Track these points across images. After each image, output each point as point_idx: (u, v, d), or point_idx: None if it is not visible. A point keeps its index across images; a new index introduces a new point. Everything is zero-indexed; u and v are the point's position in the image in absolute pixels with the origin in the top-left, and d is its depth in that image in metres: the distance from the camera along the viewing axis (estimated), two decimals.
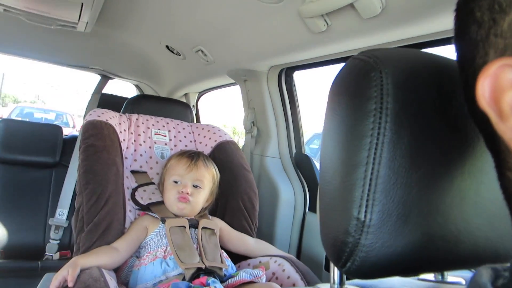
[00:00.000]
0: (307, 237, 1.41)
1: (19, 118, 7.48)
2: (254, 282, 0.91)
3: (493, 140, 0.30)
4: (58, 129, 1.95)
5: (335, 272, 0.50)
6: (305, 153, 1.55)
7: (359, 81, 0.36)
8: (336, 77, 0.41)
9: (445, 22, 0.75)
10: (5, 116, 7.19)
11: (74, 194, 1.66)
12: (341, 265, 0.36)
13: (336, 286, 0.50)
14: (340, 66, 0.41)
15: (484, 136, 0.32)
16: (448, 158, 0.36)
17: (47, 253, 1.56)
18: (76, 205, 0.96)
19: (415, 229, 0.35)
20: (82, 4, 1.23)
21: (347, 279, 0.50)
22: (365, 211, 0.34)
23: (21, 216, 1.69)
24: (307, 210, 1.45)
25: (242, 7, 1.02)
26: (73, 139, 1.91)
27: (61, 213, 1.61)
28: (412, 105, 0.35)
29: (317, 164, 1.49)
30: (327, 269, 1.19)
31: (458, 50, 0.33)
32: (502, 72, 0.26)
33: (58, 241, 1.58)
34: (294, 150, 1.53)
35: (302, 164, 1.51)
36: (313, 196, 1.45)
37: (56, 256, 1.59)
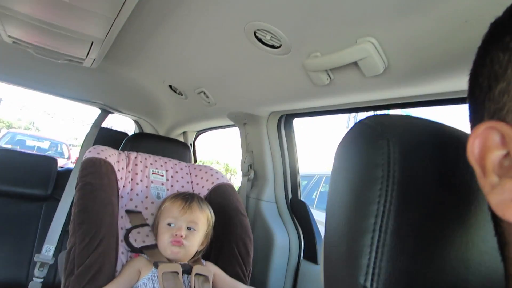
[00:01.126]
0: (301, 286, 1.38)
1: (9, 146, 7.05)
2: None
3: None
4: (53, 161, 1.91)
5: None
6: (301, 199, 1.55)
7: (367, 148, 0.38)
8: (343, 140, 0.42)
9: (444, 84, 0.78)
10: None
11: (63, 230, 1.62)
12: None
13: None
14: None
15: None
16: (453, 227, 0.37)
17: None
18: (68, 245, 0.94)
19: None
20: (92, 42, 1.27)
21: None
22: (372, 279, 0.34)
23: (5, 250, 1.63)
24: (301, 257, 1.42)
25: (248, 55, 1.06)
26: (67, 172, 1.89)
27: (48, 249, 1.56)
28: (418, 174, 0.36)
29: (313, 211, 1.49)
30: None
31: (469, 110, 0.36)
32: (488, 134, 0.29)
33: (42, 279, 1.51)
34: (290, 196, 1.53)
35: (297, 210, 1.51)
36: (308, 244, 1.43)
37: None
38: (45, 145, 8.03)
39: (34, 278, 1.50)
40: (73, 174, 1.81)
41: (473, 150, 0.30)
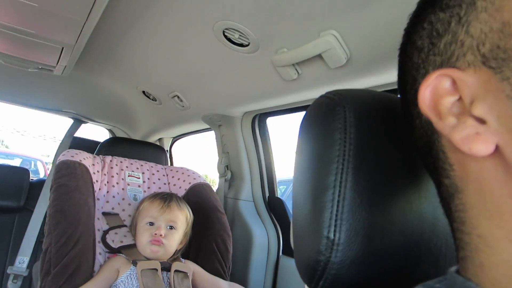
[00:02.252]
0: (281, 281, 1.40)
1: None
2: None
3: (431, 155, 0.34)
4: (25, 172, 1.89)
5: None
6: (278, 197, 1.58)
7: (326, 115, 0.41)
8: (306, 112, 0.46)
9: None
10: None
11: (37, 241, 1.58)
12: (314, 285, 0.38)
13: None
14: None
15: (422, 156, 0.36)
16: (406, 183, 0.40)
17: None
18: (44, 246, 0.93)
19: (380, 248, 0.38)
20: (62, 49, 1.27)
21: None
22: (334, 230, 0.37)
23: None
24: (281, 253, 1.44)
25: (218, 55, 1.09)
26: (40, 182, 1.85)
27: (22, 261, 1.52)
28: (372, 135, 0.40)
29: (290, 208, 1.52)
30: None
31: (401, 79, 0.39)
32: (439, 82, 0.31)
33: None
34: (267, 194, 1.56)
35: (275, 207, 1.54)
36: (286, 240, 1.46)
37: None
38: (15, 162, 6.86)
39: None
40: (46, 184, 1.77)
41: (424, 99, 0.32)
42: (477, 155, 0.29)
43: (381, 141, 0.40)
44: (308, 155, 0.42)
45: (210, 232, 1.18)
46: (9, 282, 1.46)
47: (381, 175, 0.39)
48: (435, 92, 0.31)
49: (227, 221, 1.25)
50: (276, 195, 1.58)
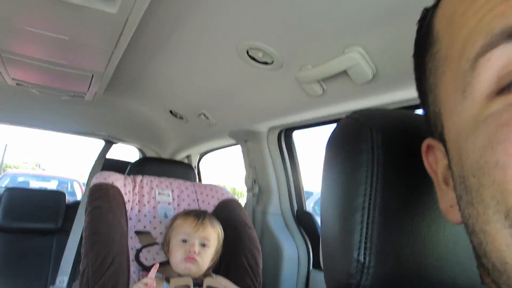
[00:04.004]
0: None
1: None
2: None
3: None
4: (61, 195, 2.03)
5: None
6: (307, 210, 1.57)
7: (353, 136, 0.41)
8: (332, 133, 0.46)
9: None
10: None
11: (75, 261, 1.64)
12: None
13: None
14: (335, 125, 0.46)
15: None
16: (434, 206, 0.40)
17: None
18: (81, 268, 0.96)
19: (411, 272, 0.38)
20: (92, 76, 1.33)
21: None
22: (364, 253, 0.37)
23: (21, 284, 1.69)
24: (311, 267, 1.43)
25: (242, 73, 1.11)
26: (75, 204, 1.95)
27: (62, 280, 1.58)
28: (399, 157, 0.40)
29: (319, 221, 1.50)
30: None
31: (420, 98, 0.39)
32: (428, 152, 0.33)
33: None
34: (295, 207, 1.55)
35: (304, 221, 1.53)
36: (317, 253, 1.44)
37: None
38: (52, 185, 6.50)
39: None
40: (81, 205, 1.85)
41: (427, 161, 0.35)
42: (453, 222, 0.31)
43: (409, 162, 0.40)
44: (335, 176, 0.42)
45: (240, 248, 1.19)
46: None
47: (410, 196, 0.39)
48: (434, 157, 0.33)
49: (256, 236, 1.25)
50: (304, 209, 1.57)
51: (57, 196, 2.00)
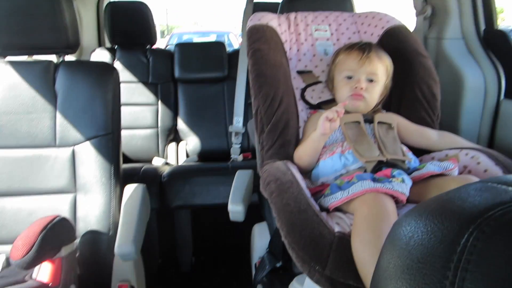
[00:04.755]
0: (502, 129, 1.20)
1: None
2: (445, 175, 0.82)
3: None
4: (222, 45, 2.21)
5: None
6: (499, 29, 1.25)
7: None
8: None
9: None
10: (162, 46, 6.03)
11: (245, 103, 1.80)
12: None
13: None
14: None
15: None
16: None
17: (232, 156, 1.79)
18: (254, 108, 1.02)
19: None
20: None
21: None
22: None
23: (206, 126, 2.06)
24: (502, 97, 1.21)
25: None
26: (236, 52, 2.05)
27: (237, 120, 1.79)
28: None
29: None
30: None
31: None
32: None
33: (240, 145, 1.79)
34: (482, 27, 1.25)
35: (494, 42, 1.23)
36: (510, 80, 1.19)
37: (240, 157, 1.82)
38: (211, 38, 6.95)
39: (233, 144, 1.78)
40: (241, 52, 1.92)
41: None
42: None
43: None
44: None
45: (413, 79, 1.06)
46: (233, 138, 1.78)
47: None
48: None
49: (432, 65, 1.08)
50: (495, 27, 1.25)
51: (218, 46, 2.18)
